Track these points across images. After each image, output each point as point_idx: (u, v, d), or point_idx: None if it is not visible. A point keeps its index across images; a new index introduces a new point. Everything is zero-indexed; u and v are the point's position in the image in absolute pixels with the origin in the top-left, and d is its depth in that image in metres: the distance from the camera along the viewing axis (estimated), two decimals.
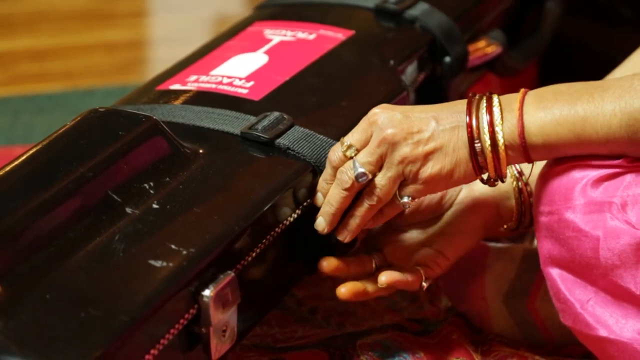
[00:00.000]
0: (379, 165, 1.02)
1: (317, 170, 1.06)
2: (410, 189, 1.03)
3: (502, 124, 0.99)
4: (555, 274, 1.02)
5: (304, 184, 1.06)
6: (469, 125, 1.00)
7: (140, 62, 2.24)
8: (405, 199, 1.03)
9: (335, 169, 1.03)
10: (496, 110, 0.99)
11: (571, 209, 1.00)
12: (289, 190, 1.04)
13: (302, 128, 1.08)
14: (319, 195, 1.06)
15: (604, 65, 1.23)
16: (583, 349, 1.10)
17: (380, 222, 1.07)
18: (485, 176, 1.03)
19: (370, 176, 1.02)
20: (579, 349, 1.16)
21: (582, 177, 1.00)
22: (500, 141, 0.99)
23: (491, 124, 0.99)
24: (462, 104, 1.02)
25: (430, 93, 1.28)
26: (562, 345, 1.19)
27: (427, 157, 1.01)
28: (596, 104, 0.97)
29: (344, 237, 1.06)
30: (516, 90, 1.03)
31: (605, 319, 0.99)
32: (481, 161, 1.00)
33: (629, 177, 0.98)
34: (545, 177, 1.03)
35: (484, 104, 1.00)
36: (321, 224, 1.05)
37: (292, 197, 1.04)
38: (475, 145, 1.00)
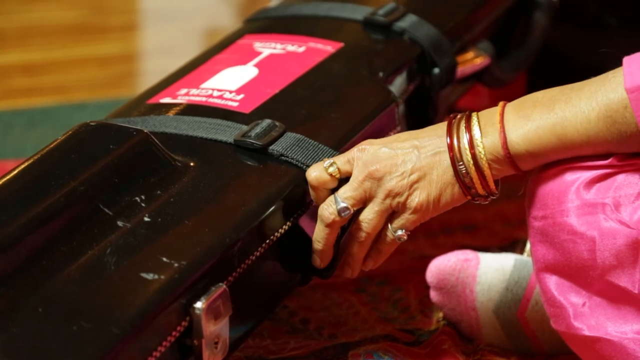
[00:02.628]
0: (363, 200, 1.03)
1: None
2: (402, 220, 1.03)
3: (483, 140, 1.00)
4: (549, 279, 1.03)
5: (296, 193, 1.06)
6: (450, 147, 1.01)
7: (132, 75, 2.24)
8: (400, 232, 1.04)
9: (312, 186, 1.04)
10: (475, 128, 1.01)
11: (565, 212, 1.00)
12: (282, 201, 1.04)
13: (295, 134, 1.09)
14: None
15: (593, 74, 1.24)
16: (573, 357, 1.11)
17: (381, 260, 1.08)
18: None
19: (352, 210, 1.03)
20: (569, 358, 1.17)
21: (574, 179, 1.00)
22: (483, 158, 1.00)
23: (471, 143, 1.00)
24: (442, 127, 1.03)
25: (419, 104, 1.29)
26: (552, 355, 1.20)
27: (412, 186, 1.02)
28: (573, 103, 0.98)
29: (349, 274, 1.08)
30: (506, 100, 1.04)
31: (601, 321, 1.00)
32: (467, 181, 1.01)
33: (620, 178, 0.99)
34: (537, 181, 1.03)
35: (463, 123, 1.01)
36: (315, 260, 1.07)
37: (285, 207, 1.05)
38: (459, 167, 1.01)
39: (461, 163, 1.00)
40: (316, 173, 1.04)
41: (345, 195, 1.03)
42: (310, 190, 1.05)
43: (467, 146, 1.00)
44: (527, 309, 1.18)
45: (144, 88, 1.25)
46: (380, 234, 1.05)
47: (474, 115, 1.02)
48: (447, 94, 1.32)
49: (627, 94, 0.95)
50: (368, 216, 1.03)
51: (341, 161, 1.04)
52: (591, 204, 0.99)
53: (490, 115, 1.01)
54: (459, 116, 1.03)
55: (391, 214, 1.03)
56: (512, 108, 1.01)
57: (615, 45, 1.60)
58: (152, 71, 2.22)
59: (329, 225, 1.03)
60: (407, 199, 1.02)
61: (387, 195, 1.02)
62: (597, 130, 0.97)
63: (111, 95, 2.04)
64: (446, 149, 1.01)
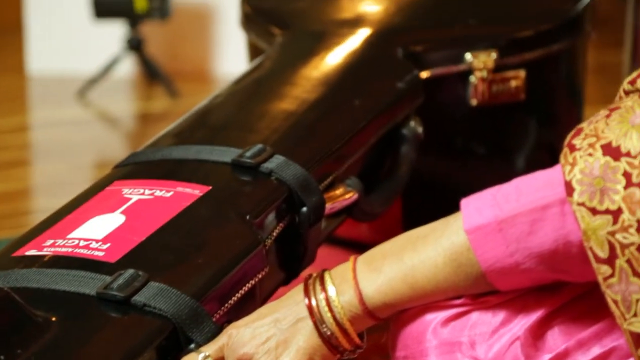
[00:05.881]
0: None
1: (177, 327, 1.07)
2: None
3: (340, 298, 1.03)
4: None
5: (161, 343, 1.06)
6: (310, 311, 1.04)
7: (18, 214, 2.23)
8: None
9: None
10: (330, 287, 1.04)
11: (425, 352, 1.03)
12: (146, 353, 1.04)
13: (158, 283, 1.10)
14: None
15: (463, 196, 1.27)
16: None
17: None
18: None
19: None
20: None
21: (431, 319, 1.03)
22: (343, 317, 1.03)
23: (329, 304, 1.03)
24: (299, 292, 1.06)
25: (289, 242, 1.31)
26: None
27: (280, 358, 1.04)
28: (420, 250, 1.02)
29: None
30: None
31: None
32: (334, 341, 1.04)
33: (474, 316, 1.02)
34: (398, 322, 1.06)
35: (318, 285, 1.04)
36: None
37: (150, 358, 1.05)
38: (323, 330, 1.03)
39: (324, 325, 1.03)
40: None
41: None
42: None
43: (326, 308, 1.03)
44: None
45: (31, 227, 1.25)
46: None
47: (327, 275, 1.05)
48: (317, 231, 1.34)
49: (467, 235, 0.99)
50: None
51: (213, 350, 1.05)
52: (448, 342, 1.01)
53: (343, 272, 1.04)
54: (313, 276, 1.06)
55: None
56: (364, 262, 1.04)
57: (482, 171, 1.66)
58: (40, 209, 2.21)
59: None
60: None
61: None
62: (445, 275, 1.01)
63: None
64: (306, 314, 1.04)
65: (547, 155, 1.69)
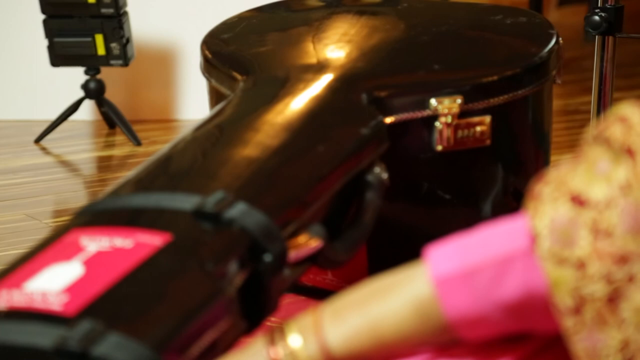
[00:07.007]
0: None
1: None
2: None
3: (305, 348, 1.01)
4: None
5: None
6: None
7: None
8: None
9: None
10: (294, 337, 1.02)
11: None
12: None
13: (117, 335, 1.07)
14: None
15: (429, 241, 1.26)
16: None
17: None
18: None
19: None
20: None
21: None
22: None
23: (292, 353, 1.01)
24: (262, 343, 1.04)
25: (252, 291, 1.28)
26: None
27: None
28: (385, 302, 1.00)
29: None
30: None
31: None
32: None
33: None
34: None
35: (281, 335, 1.03)
36: None
37: None
38: None
39: None
40: None
41: None
42: None
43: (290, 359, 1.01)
44: None
45: None
46: None
47: (291, 325, 1.03)
48: (280, 279, 1.31)
49: (433, 286, 0.97)
50: None
51: None
52: None
53: (307, 322, 1.03)
54: (277, 326, 1.04)
55: None
56: (328, 313, 1.03)
57: (449, 217, 1.65)
58: None
59: None
60: None
61: None
62: (411, 325, 0.99)
63: None
64: None
65: (513, 200, 1.68)
